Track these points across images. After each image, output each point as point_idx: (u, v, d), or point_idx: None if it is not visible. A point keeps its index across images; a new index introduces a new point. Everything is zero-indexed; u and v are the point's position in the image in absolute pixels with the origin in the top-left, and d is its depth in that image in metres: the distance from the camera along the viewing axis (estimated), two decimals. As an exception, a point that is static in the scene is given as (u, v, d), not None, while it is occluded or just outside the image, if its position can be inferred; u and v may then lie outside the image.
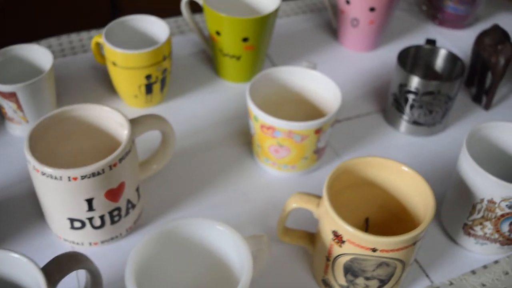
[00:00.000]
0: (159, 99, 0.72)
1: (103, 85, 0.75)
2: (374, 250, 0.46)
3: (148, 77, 0.67)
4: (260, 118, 0.59)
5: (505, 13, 0.98)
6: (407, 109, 0.69)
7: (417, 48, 0.72)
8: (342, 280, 0.50)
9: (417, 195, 0.52)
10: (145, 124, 0.56)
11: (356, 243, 0.46)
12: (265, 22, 0.71)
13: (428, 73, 0.74)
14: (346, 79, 0.80)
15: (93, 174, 0.49)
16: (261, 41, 0.73)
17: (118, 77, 0.68)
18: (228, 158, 0.67)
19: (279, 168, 0.64)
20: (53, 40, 0.82)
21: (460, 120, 0.75)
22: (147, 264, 0.45)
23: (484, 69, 0.76)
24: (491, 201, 0.53)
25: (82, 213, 0.52)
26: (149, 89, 0.69)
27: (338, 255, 0.48)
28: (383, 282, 0.50)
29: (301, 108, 0.67)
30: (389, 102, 0.72)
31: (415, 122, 0.70)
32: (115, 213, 0.54)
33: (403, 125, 0.71)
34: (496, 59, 0.73)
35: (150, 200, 0.61)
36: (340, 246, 0.47)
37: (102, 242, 0.56)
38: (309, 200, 0.51)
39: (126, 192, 0.54)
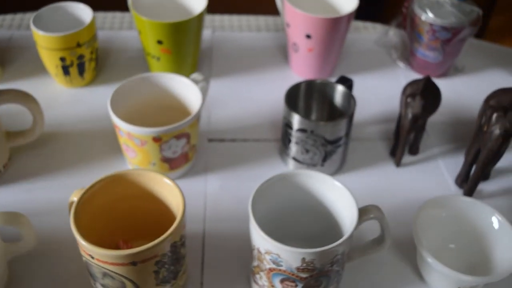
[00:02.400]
0: (80, 82, 0.78)
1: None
2: (91, 256, 0.48)
3: (62, 59, 0.74)
4: (111, 116, 0.62)
5: (499, 66, 0.87)
6: (288, 143, 0.67)
7: (309, 83, 0.69)
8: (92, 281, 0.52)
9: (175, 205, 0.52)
10: (5, 96, 0.63)
11: (81, 248, 0.48)
12: (179, 28, 0.73)
13: (331, 111, 0.70)
14: (264, 103, 0.79)
15: None
16: (178, 47, 0.75)
17: (41, 56, 0.76)
18: (99, 149, 0.71)
19: (137, 166, 0.66)
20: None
21: (359, 170, 0.70)
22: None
23: (398, 122, 0.70)
24: (259, 251, 0.50)
25: None
26: (66, 70, 0.76)
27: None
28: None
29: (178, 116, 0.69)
30: (282, 134, 0.70)
31: (294, 159, 0.68)
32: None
33: (289, 160, 0.69)
34: (405, 112, 0.67)
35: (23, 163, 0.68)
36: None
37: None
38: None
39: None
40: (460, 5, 0.78)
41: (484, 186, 0.69)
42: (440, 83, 0.83)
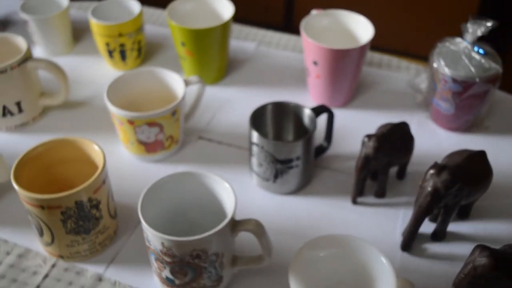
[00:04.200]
0: (122, 67, 0.92)
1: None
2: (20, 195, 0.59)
3: (107, 44, 0.88)
4: (104, 98, 0.73)
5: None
6: (250, 155, 0.72)
7: (279, 104, 0.73)
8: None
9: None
10: (38, 64, 0.78)
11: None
12: (199, 34, 0.82)
13: (301, 133, 0.73)
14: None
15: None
16: (200, 51, 0.84)
17: (94, 38, 0.91)
18: (110, 124, 0.82)
19: (122, 143, 0.77)
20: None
21: (316, 197, 0.72)
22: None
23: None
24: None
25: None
26: (110, 54, 0.89)
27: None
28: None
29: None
30: (249, 145, 0.74)
31: (253, 170, 0.72)
32: None
33: (252, 171, 0.74)
34: (360, 151, 0.67)
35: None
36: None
37: None
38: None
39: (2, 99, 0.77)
40: (479, 60, 0.74)
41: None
42: (454, 137, 0.80)
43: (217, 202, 0.60)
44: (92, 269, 0.64)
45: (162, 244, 0.54)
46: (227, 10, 0.87)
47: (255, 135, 0.68)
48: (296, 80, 0.91)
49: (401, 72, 0.93)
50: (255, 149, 0.69)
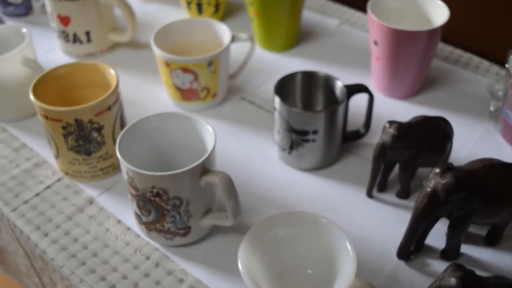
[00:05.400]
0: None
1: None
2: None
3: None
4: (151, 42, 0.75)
5: None
6: (273, 122, 0.69)
7: (308, 73, 0.68)
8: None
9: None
10: (112, 1, 0.82)
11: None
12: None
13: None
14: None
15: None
16: (265, 12, 0.81)
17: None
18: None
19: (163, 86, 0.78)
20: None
21: (335, 180, 0.66)
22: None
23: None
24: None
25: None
26: (188, 5, 0.91)
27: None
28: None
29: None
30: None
31: (274, 138, 0.68)
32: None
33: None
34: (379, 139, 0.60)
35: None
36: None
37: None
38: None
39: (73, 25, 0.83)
40: None
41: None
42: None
43: (201, 147, 0.58)
44: (88, 192, 0.66)
45: (127, 173, 0.53)
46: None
47: (276, 100, 0.64)
48: (368, 65, 0.85)
49: (478, 74, 0.81)
50: (276, 115, 0.66)
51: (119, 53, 0.89)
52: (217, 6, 0.92)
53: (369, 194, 0.64)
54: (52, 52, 0.88)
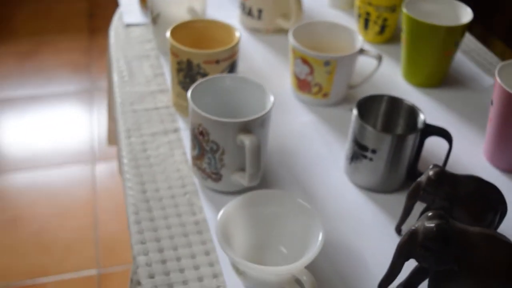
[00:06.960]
0: (363, 33, 0.97)
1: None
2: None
3: (359, 7, 0.95)
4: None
5: None
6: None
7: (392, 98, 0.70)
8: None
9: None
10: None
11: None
12: (417, 25, 0.81)
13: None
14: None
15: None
16: (412, 42, 0.83)
17: None
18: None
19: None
20: None
21: (378, 205, 0.67)
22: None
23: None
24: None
25: None
26: (359, 16, 0.96)
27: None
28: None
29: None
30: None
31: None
32: None
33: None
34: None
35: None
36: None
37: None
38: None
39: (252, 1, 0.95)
40: None
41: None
42: None
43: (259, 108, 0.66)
44: (179, 123, 0.78)
45: (189, 109, 0.63)
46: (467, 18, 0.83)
47: (354, 111, 0.67)
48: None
49: None
50: (352, 125, 0.69)
51: (279, 38, 0.99)
52: (382, 28, 0.95)
53: (397, 230, 0.63)
54: (228, 15, 1.01)
